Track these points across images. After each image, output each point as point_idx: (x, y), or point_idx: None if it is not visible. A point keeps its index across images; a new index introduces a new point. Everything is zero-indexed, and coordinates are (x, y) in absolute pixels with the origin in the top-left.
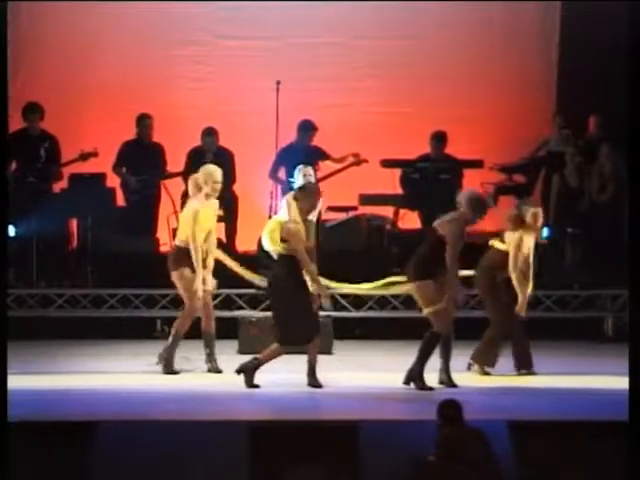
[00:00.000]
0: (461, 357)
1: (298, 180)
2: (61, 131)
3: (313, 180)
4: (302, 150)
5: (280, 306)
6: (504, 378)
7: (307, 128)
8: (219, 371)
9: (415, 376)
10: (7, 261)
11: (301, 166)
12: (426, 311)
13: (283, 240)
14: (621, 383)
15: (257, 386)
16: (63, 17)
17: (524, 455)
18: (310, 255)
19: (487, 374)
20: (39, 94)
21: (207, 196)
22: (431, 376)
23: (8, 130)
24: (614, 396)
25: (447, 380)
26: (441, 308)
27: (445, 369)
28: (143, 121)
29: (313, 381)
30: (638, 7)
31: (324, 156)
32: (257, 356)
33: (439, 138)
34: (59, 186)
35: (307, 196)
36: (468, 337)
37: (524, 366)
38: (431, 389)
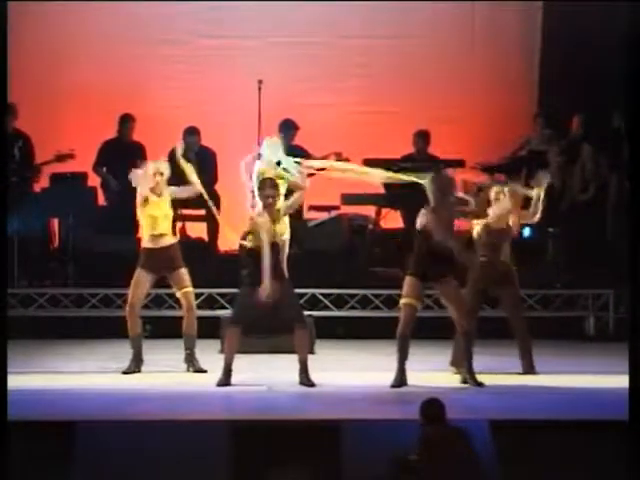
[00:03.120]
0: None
1: (264, 151)
2: (40, 131)
3: (279, 152)
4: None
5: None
6: (486, 377)
7: (289, 127)
8: (203, 370)
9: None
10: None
11: (267, 138)
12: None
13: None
14: (604, 382)
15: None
16: (42, 16)
17: (506, 454)
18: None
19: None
20: (17, 94)
21: (152, 190)
22: (415, 374)
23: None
24: (597, 395)
25: (402, 380)
26: (407, 302)
27: (400, 368)
28: (126, 122)
29: (304, 380)
30: (637, 7)
31: (306, 155)
32: (224, 358)
33: (422, 136)
34: (40, 185)
35: (262, 188)
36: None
37: (524, 368)
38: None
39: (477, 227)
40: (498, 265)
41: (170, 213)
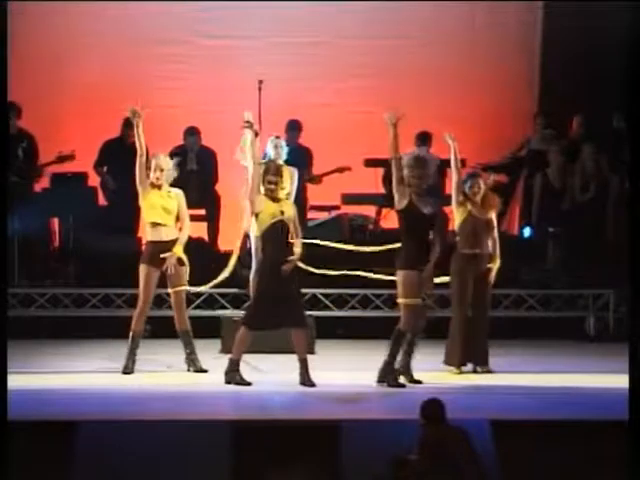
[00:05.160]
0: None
1: (269, 150)
2: (41, 130)
3: (283, 152)
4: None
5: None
6: (486, 377)
7: (293, 128)
8: (204, 370)
9: (385, 373)
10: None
11: (272, 137)
12: (400, 301)
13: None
14: (604, 382)
15: (249, 383)
16: (43, 15)
17: (506, 454)
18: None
19: (461, 373)
20: (18, 93)
21: (152, 185)
22: (415, 374)
23: (8, 130)
24: (597, 395)
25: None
26: (412, 303)
27: (406, 367)
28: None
29: (305, 380)
30: (637, 7)
31: (309, 156)
32: (230, 357)
33: (424, 138)
34: (40, 185)
35: (267, 172)
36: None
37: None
38: (403, 386)
39: (459, 216)
40: (482, 257)
41: (171, 208)
